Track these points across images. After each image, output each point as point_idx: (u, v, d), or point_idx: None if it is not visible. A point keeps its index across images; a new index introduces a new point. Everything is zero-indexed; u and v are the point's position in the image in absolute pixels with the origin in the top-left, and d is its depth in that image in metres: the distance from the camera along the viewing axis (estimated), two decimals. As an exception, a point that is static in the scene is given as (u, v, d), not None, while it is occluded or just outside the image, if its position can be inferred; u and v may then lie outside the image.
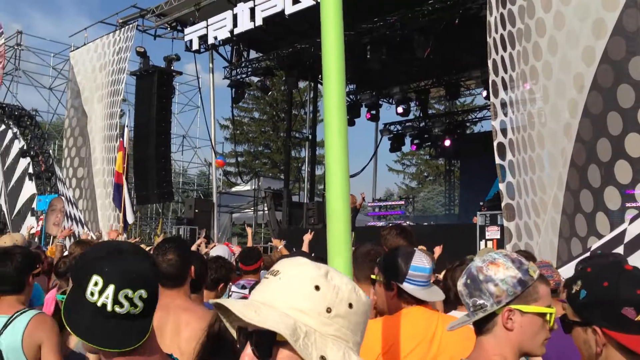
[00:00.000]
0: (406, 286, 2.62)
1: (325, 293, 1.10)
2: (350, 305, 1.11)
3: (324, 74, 1.98)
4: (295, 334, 1.04)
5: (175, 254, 2.82)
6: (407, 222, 18.51)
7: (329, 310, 1.09)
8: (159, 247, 2.93)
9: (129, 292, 1.45)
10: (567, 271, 5.67)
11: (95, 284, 1.44)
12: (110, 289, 1.44)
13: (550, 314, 1.76)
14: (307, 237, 7.20)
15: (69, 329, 1.45)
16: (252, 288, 4.44)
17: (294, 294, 1.09)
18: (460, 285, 1.85)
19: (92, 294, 1.45)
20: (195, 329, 2.50)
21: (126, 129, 14.82)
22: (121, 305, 1.44)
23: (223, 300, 1.13)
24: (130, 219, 15.07)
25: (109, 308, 1.44)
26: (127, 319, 1.46)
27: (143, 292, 1.46)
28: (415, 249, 2.83)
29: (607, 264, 2.70)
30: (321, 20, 2.00)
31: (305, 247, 7.03)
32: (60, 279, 4.77)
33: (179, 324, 2.71)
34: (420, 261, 2.67)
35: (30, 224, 17.53)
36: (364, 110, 21.55)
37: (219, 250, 6.12)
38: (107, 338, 1.44)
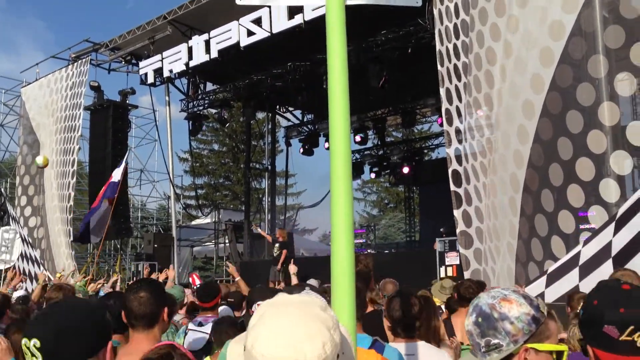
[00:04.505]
0: None
1: None
2: None
3: (330, 121, 1.96)
4: None
5: (147, 291, 2.68)
6: (369, 251, 18.50)
7: None
8: (130, 286, 2.83)
9: (26, 341, 1.52)
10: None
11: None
12: (23, 340, 1.56)
13: (563, 351, 1.69)
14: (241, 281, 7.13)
15: None
16: (216, 325, 4.32)
17: None
18: (469, 324, 1.74)
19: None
20: None
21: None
22: (26, 355, 1.53)
23: None
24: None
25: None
26: None
27: (36, 342, 1.51)
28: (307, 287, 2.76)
29: (608, 283, 2.67)
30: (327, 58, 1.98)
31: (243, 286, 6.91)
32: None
33: None
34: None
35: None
36: (322, 139, 21.64)
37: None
38: None
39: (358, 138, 21.00)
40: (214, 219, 24.93)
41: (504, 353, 1.66)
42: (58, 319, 1.53)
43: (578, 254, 7.07)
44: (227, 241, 21.81)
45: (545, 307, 1.70)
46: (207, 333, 4.37)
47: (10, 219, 17.90)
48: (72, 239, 16.67)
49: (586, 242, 7.10)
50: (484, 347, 1.69)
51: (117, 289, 8.86)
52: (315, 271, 9.74)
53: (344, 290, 1.79)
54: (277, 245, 13.74)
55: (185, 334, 4.42)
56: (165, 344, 2.23)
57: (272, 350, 1.11)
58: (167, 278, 8.13)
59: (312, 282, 8.03)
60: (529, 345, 1.65)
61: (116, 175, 14.51)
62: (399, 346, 3.17)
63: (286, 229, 16.35)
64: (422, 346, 3.22)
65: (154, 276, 8.15)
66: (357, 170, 23.45)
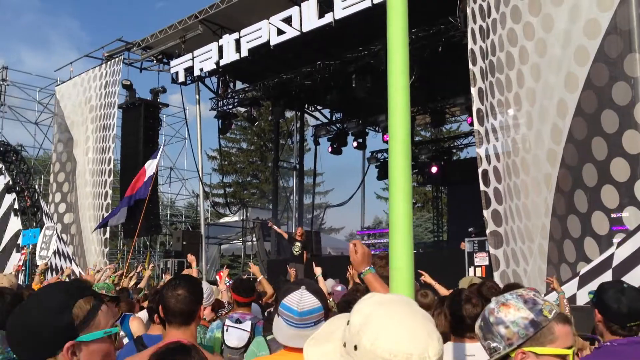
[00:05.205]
0: (279, 322, 2.44)
1: None
2: None
3: (390, 101, 1.96)
4: None
5: (185, 289, 2.69)
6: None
7: None
8: (168, 282, 2.84)
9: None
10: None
11: None
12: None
13: (568, 355, 1.68)
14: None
15: None
16: (255, 324, 4.31)
17: None
18: (476, 328, 1.82)
19: None
20: None
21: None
22: None
23: None
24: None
25: None
26: None
27: (3, 333, 1.63)
28: (302, 286, 2.51)
29: None
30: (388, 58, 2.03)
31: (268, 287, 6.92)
32: None
33: None
34: (289, 301, 2.44)
35: (15, 262, 17.22)
36: (350, 138, 21.63)
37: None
38: None
39: (387, 137, 20.94)
40: (241, 217, 25.09)
41: (501, 355, 1.71)
42: (17, 322, 1.57)
43: (612, 256, 6.97)
44: (254, 239, 21.91)
45: (552, 311, 1.70)
46: (247, 330, 4.34)
47: (44, 215, 18.24)
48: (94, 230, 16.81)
49: (620, 243, 7.00)
50: (487, 350, 1.76)
51: (143, 284, 8.91)
52: (342, 270, 9.75)
53: (404, 287, 1.82)
54: (297, 244, 13.71)
55: (226, 330, 4.37)
56: (175, 341, 2.20)
57: (402, 347, 1.15)
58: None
59: (330, 282, 8.03)
60: (526, 349, 1.67)
61: (150, 167, 14.54)
62: (457, 346, 3.14)
63: (305, 228, 16.29)
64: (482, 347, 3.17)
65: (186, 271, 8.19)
66: (385, 169, 23.36)
